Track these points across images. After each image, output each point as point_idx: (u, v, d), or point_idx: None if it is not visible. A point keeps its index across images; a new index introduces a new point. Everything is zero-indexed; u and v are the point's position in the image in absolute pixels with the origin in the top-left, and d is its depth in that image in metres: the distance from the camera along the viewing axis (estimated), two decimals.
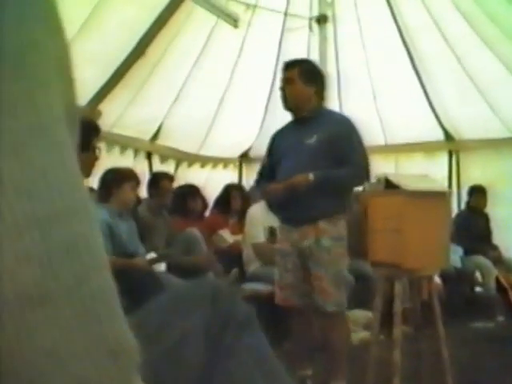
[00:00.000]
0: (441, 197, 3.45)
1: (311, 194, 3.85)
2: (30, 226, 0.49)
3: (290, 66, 4.27)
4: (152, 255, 5.08)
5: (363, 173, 4.00)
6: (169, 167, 8.21)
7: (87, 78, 6.28)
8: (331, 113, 4.55)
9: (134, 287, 4.14)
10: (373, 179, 3.71)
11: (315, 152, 4.00)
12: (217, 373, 1.06)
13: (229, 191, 6.86)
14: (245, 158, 10.09)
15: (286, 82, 4.23)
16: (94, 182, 4.82)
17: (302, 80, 4.16)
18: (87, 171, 3.32)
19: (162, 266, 5.33)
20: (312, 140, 4.07)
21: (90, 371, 0.53)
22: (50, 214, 0.51)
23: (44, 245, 0.50)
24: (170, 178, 5.97)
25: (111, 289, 0.56)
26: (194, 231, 5.63)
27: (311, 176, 3.87)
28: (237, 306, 1.14)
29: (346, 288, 4.12)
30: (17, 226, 0.49)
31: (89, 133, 3.37)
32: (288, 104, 4.25)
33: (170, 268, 5.44)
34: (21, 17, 0.52)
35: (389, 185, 3.41)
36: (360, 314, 5.99)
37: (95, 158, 3.46)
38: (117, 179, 4.74)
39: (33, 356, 0.49)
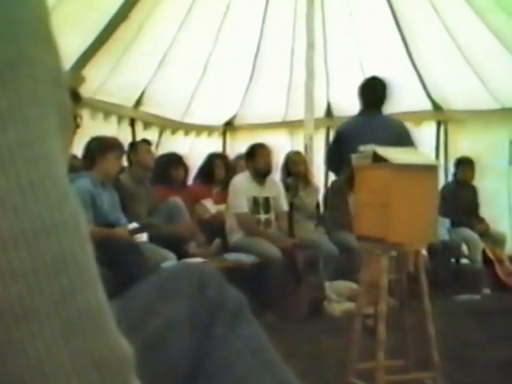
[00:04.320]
0: (430, 170, 3.38)
1: None
2: (17, 241, 0.49)
3: None
4: (134, 225, 5.03)
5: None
6: (152, 134, 8.13)
7: (70, 43, 6.16)
8: None
9: (115, 257, 4.11)
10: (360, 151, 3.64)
11: None
12: (212, 364, 1.02)
13: (212, 160, 6.80)
14: (229, 126, 10.01)
15: None
16: (77, 150, 4.77)
17: None
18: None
19: (143, 236, 5.28)
20: None
21: None
22: (37, 229, 0.50)
23: (30, 261, 0.49)
24: (148, 144, 5.91)
25: (99, 303, 0.55)
26: (177, 200, 5.59)
27: None
28: (226, 294, 1.09)
29: None
30: (3, 242, 0.48)
31: None
32: None
33: (152, 238, 5.40)
34: (9, 32, 0.51)
35: (376, 158, 3.33)
36: (343, 285, 5.99)
37: (76, 126, 3.43)
38: (101, 148, 4.69)
39: (17, 371, 0.49)
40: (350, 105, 8.58)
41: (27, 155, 0.50)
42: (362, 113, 5.65)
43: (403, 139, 5.17)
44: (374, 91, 5.66)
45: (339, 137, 5.55)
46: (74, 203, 0.54)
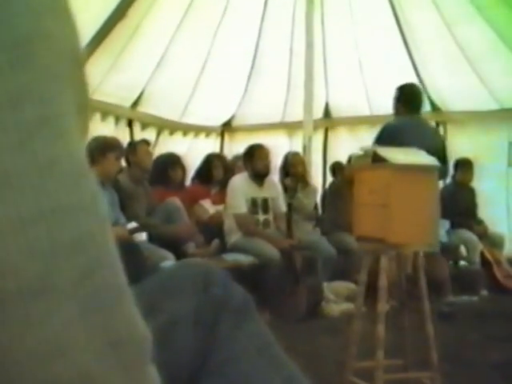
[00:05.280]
0: (430, 171, 3.38)
1: None
2: (35, 220, 0.48)
3: None
4: (133, 225, 5.03)
5: None
6: (150, 135, 8.12)
7: None
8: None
9: None
10: (359, 151, 3.65)
11: None
12: (217, 361, 1.02)
13: (210, 161, 6.80)
14: (227, 126, 10.01)
15: None
16: None
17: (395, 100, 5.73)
18: None
19: (143, 236, 5.28)
20: None
21: (91, 362, 0.53)
22: (56, 208, 0.50)
23: (49, 240, 0.49)
24: (147, 145, 5.91)
25: (117, 283, 0.55)
26: (175, 201, 5.58)
27: None
28: (231, 292, 1.09)
29: None
30: (22, 221, 0.48)
31: None
32: None
33: (151, 238, 5.40)
34: (28, 7, 0.50)
35: (376, 158, 3.33)
36: (341, 286, 6.02)
37: None
38: (101, 148, 4.67)
39: (34, 346, 0.49)
40: (348, 106, 8.60)
41: (45, 133, 0.49)
42: (408, 115, 5.70)
43: (440, 142, 5.56)
44: (417, 95, 5.79)
45: (389, 137, 5.45)
46: (93, 183, 0.54)
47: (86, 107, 0.58)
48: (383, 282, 3.24)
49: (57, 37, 0.52)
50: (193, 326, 1.02)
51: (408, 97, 5.68)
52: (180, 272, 1.17)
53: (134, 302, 0.58)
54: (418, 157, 3.50)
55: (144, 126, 8.32)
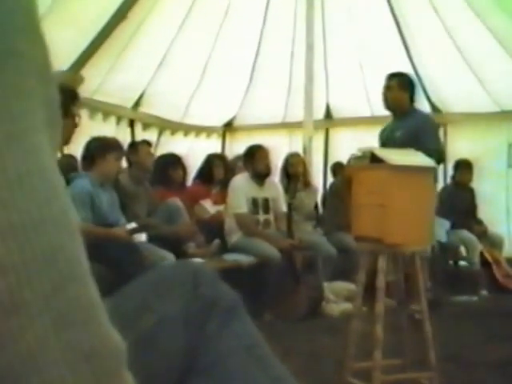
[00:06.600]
0: (427, 172, 3.40)
1: None
2: (6, 235, 0.49)
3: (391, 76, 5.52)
4: (133, 225, 5.03)
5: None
6: (151, 135, 8.13)
7: (68, 42, 6.12)
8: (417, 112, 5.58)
9: (113, 256, 4.13)
10: (358, 153, 3.66)
11: (401, 142, 4.84)
12: (206, 361, 1.03)
13: (211, 161, 6.79)
14: (229, 127, 10.02)
15: (387, 89, 5.46)
16: (76, 149, 4.78)
17: (399, 88, 5.40)
18: (66, 138, 3.31)
19: (142, 237, 5.28)
20: (399, 133, 5.23)
21: (66, 376, 0.53)
22: (26, 223, 0.50)
23: (20, 255, 0.49)
24: (149, 145, 5.93)
25: (89, 296, 0.55)
26: (176, 201, 5.58)
27: None
28: (220, 292, 1.10)
29: None
30: None
31: (67, 99, 3.31)
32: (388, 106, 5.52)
33: (151, 238, 5.41)
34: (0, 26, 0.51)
35: (374, 159, 3.34)
36: (341, 286, 6.02)
37: (74, 126, 3.41)
38: (101, 149, 4.67)
39: (8, 364, 0.49)
40: (349, 106, 8.60)
41: (14, 149, 0.50)
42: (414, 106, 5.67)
43: None
44: None
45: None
46: (64, 197, 0.54)
47: (57, 123, 0.58)
48: (381, 282, 3.25)
49: (26, 55, 0.52)
50: (182, 326, 1.03)
51: (415, 86, 5.62)
52: (170, 272, 1.19)
53: (108, 315, 0.57)
54: (415, 158, 3.52)
55: (145, 127, 8.33)
